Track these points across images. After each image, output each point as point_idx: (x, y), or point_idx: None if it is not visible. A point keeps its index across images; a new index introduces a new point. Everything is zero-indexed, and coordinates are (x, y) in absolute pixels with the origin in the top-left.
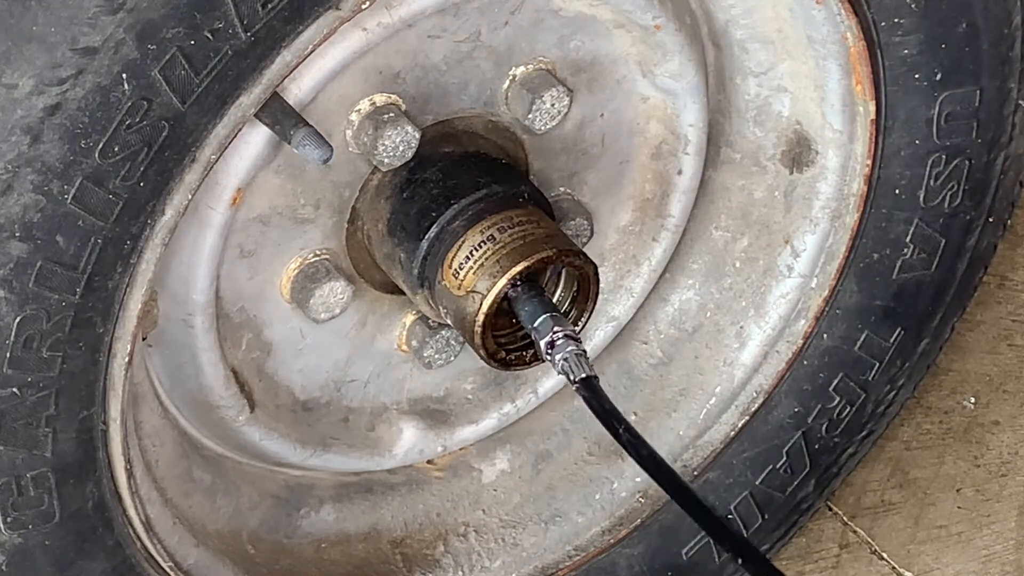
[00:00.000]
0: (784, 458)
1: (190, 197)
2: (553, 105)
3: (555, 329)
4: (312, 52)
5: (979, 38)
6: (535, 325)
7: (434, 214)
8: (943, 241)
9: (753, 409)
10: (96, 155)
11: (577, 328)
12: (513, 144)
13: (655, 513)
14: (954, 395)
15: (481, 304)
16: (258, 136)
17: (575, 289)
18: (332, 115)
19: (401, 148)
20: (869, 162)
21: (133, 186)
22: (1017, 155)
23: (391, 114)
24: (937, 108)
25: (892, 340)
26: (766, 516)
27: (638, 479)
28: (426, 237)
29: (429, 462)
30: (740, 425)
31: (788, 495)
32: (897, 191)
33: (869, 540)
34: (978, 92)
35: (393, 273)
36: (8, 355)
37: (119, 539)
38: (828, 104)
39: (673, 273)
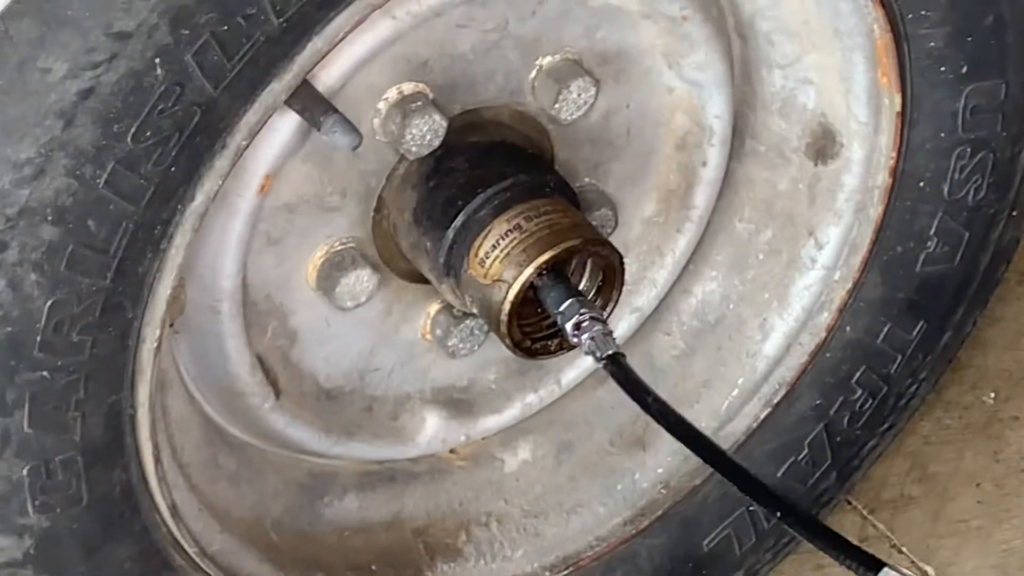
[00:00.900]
0: (806, 450)
1: (220, 183)
2: (579, 95)
3: (581, 311)
4: (343, 39)
5: (1005, 31)
6: (561, 309)
7: (460, 203)
8: (967, 234)
9: (775, 401)
10: (128, 140)
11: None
12: (539, 134)
13: (676, 504)
14: (974, 390)
15: (507, 293)
16: (287, 123)
17: (600, 279)
18: (360, 103)
19: (428, 137)
20: (894, 155)
21: (164, 171)
22: None
23: (419, 103)
24: (963, 101)
25: (915, 333)
26: None
27: (659, 470)
28: (452, 226)
29: (452, 451)
30: (762, 417)
31: (809, 487)
32: (922, 184)
33: (888, 534)
34: (1004, 85)
35: (419, 262)
36: (39, 339)
37: (145, 524)
38: (853, 96)
39: (696, 264)
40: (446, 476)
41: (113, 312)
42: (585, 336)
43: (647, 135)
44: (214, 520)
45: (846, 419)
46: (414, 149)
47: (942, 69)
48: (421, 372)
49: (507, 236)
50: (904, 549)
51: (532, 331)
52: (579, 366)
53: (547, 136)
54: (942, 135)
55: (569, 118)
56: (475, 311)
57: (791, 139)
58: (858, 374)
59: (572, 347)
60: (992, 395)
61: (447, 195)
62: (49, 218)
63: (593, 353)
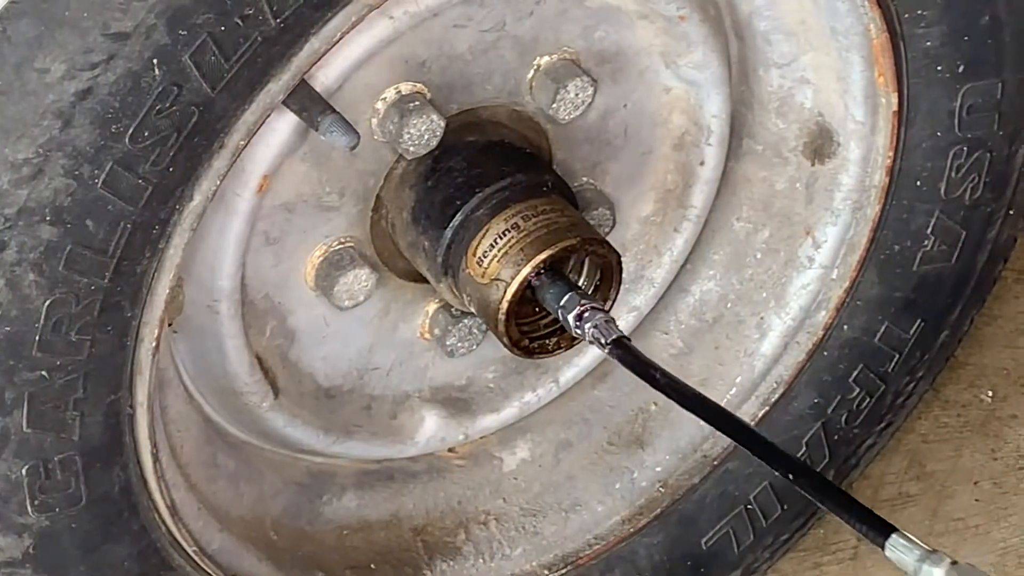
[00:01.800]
0: (803, 449)
1: (218, 183)
2: (577, 95)
3: (582, 303)
4: (340, 39)
5: (1002, 31)
6: (562, 304)
7: (458, 202)
8: (964, 233)
9: (773, 400)
10: (126, 140)
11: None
12: (537, 134)
13: (675, 502)
14: (971, 388)
15: (505, 292)
16: (285, 123)
17: (598, 278)
18: (358, 103)
19: (426, 137)
20: (891, 154)
21: (162, 171)
22: None
23: (416, 103)
24: (959, 100)
25: (912, 332)
26: (785, 506)
27: (658, 469)
28: (450, 225)
29: (450, 450)
30: (760, 415)
31: None
32: (918, 183)
33: None
34: (1000, 85)
35: (417, 261)
36: (38, 338)
37: (144, 523)
38: (850, 96)
39: (694, 264)
40: (445, 475)
41: (112, 312)
42: (588, 325)
43: (645, 134)
44: (213, 519)
45: (844, 417)
46: (412, 149)
47: (938, 68)
48: (420, 371)
49: (505, 235)
50: None
51: (530, 330)
52: (577, 365)
53: (545, 136)
54: (939, 134)
55: (567, 118)
56: (473, 310)
57: (788, 138)
58: (856, 373)
59: (573, 342)
60: (990, 393)
61: (445, 194)
62: (47, 218)
63: (597, 340)
